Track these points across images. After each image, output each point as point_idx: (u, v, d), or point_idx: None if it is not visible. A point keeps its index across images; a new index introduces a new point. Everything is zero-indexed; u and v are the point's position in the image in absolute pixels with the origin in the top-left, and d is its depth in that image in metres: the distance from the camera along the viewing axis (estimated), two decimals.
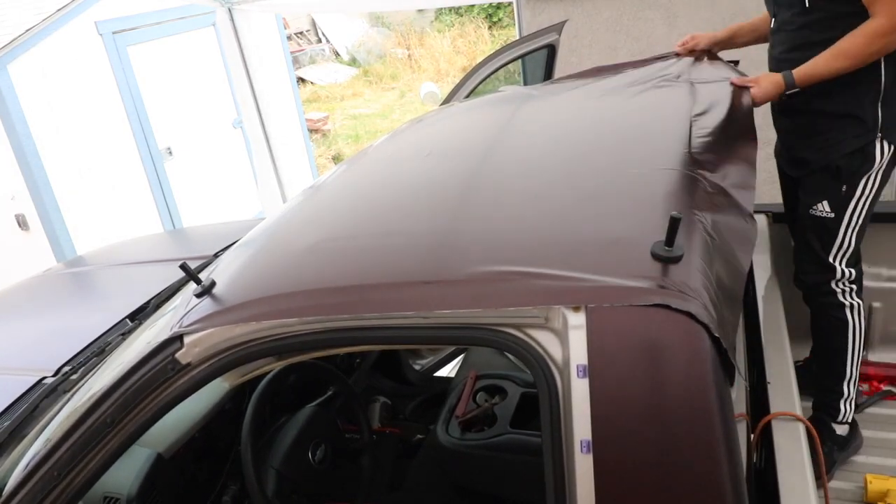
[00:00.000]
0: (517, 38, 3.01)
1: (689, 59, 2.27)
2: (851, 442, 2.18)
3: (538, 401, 1.09)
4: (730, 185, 1.46)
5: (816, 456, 1.53)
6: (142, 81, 5.67)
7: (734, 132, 1.73)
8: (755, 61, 2.37)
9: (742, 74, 2.08)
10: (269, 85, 5.18)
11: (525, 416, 2.00)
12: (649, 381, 1.01)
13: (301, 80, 12.09)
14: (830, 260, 2.05)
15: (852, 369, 2.12)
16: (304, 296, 1.22)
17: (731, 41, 2.34)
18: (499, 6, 13.15)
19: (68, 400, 1.68)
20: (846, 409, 2.13)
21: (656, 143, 1.56)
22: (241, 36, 4.77)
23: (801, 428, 1.51)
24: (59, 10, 4.89)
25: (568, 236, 1.22)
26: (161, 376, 1.27)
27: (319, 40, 13.95)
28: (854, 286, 2.09)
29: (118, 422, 1.29)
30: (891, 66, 1.84)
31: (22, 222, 5.02)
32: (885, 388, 2.44)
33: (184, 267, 1.33)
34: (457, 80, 2.69)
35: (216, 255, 2.52)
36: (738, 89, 1.91)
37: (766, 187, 3.65)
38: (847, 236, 2.02)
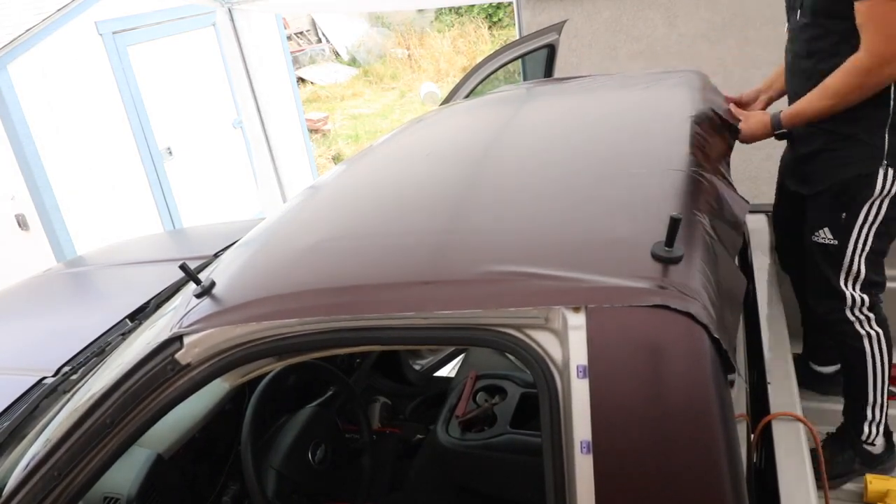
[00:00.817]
0: (517, 38, 3.01)
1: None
2: (885, 461, 2.09)
3: (538, 401, 1.09)
4: (725, 187, 1.46)
5: (817, 456, 1.53)
6: (142, 81, 5.67)
7: (722, 140, 1.75)
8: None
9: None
10: (269, 85, 5.19)
11: (525, 416, 2.00)
12: (649, 382, 1.01)
13: (301, 80, 12.09)
14: (841, 286, 1.96)
15: (876, 395, 2.03)
16: (304, 296, 1.22)
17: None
18: (499, 6, 13.15)
19: (68, 400, 1.68)
20: (871, 431, 2.05)
21: (656, 143, 1.56)
22: (241, 36, 4.78)
23: (801, 428, 1.51)
24: (59, 10, 4.90)
25: (568, 237, 1.22)
26: (161, 377, 1.27)
27: (319, 40, 13.95)
28: (871, 314, 1.98)
29: (118, 422, 1.29)
30: None
31: (22, 222, 5.02)
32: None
33: (183, 267, 1.33)
34: (457, 80, 2.69)
35: (216, 255, 2.52)
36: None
37: (766, 188, 3.64)
38: (855, 263, 1.92)
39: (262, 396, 1.84)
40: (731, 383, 1.52)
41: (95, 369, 1.79)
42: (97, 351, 2.01)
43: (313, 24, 13.88)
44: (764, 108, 2.18)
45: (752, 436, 1.50)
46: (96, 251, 3.34)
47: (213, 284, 1.32)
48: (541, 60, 2.89)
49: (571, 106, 2.03)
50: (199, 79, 6.24)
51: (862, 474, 2.05)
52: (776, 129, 1.89)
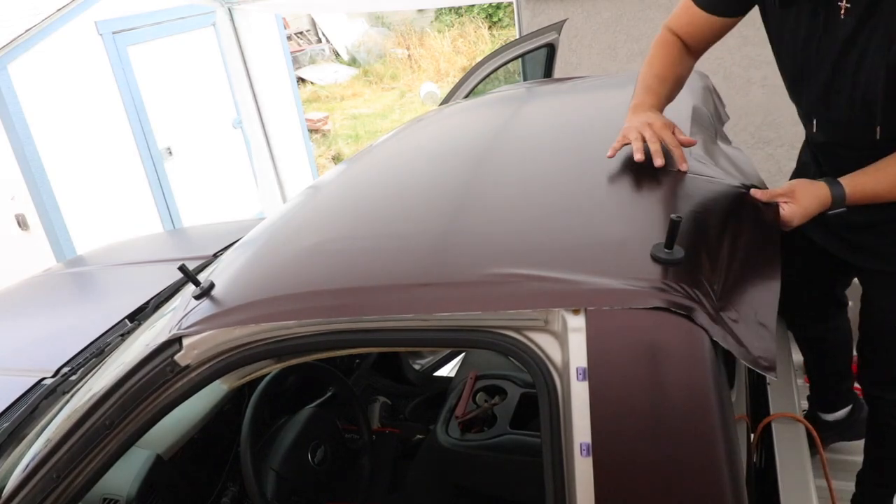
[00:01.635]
0: (517, 37, 3.01)
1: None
2: None
3: (538, 401, 1.09)
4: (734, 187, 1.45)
5: (818, 456, 1.53)
6: (142, 81, 5.67)
7: (715, 136, 1.72)
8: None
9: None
10: (269, 85, 5.19)
11: (525, 416, 1.99)
12: (649, 384, 1.01)
13: (301, 80, 12.09)
14: None
15: None
16: (304, 298, 1.22)
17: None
18: (499, 6, 13.15)
19: (68, 401, 1.68)
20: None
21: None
22: (241, 36, 4.78)
23: (801, 428, 1.51)
24: (58, 10, 4.90)
25: (568, 238, 1.22)
26: (160, 378, 1.27)
27: (319, 40, 13.95)
28: None
29: (117, 423, 1.29)
30: None
31: (22, 222, 5.02)
32: None
33: (183, 269, 1.33)
34: (457, 80, 2.69)
35: (216, 256, 2.52)
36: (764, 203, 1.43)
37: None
38: None
39: (262, 397, 1.83)
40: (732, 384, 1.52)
41: (95, 370, 1.79)
42: (96, 351, 2.00)
43: (313, 24, 13.87)
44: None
45: (752, 436, 1.50)
46: (96, 251, 3.33)
47: (212, 286, 1.32)
48: (541, 60, 2.89)
49: (572, 107, 2.02)
50: (199, 79, 6.24)
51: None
52: (837, 208, 1.46)
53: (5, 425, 1.77)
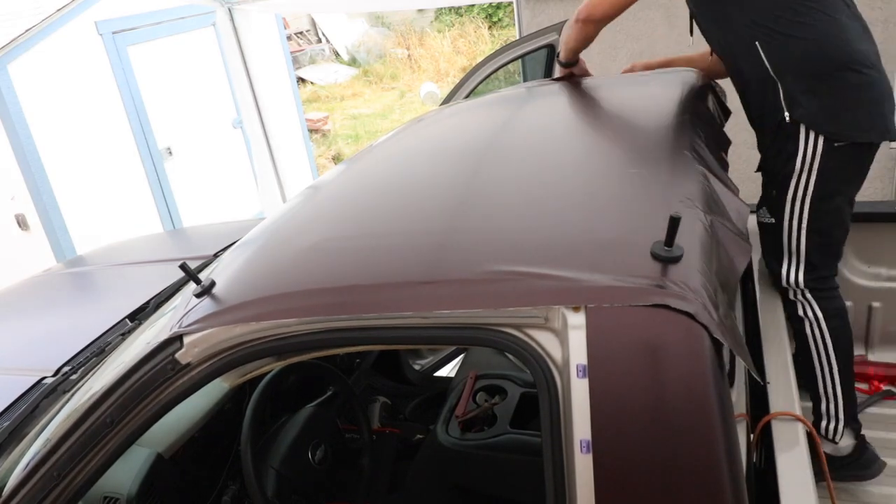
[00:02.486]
0: (517, 38, 3.01)
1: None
2: (855, 467, 1.99)
3: (538, 401, 1.09)
4: (724, 184, 1.46)
5: (818, 456, 1.53)
6: (142, 81, 5.67)
7: (716, 134, 1.74)
8: None
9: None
10: (269, 85, 5.19)
11: (525, 416, 2.00)
12: (649, 382, 1.01)
13: (301, 80, 12.09)
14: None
15: (827, 388, 1.96)
16: (304, 296, 1.22)
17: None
18: (499, 6, 13.15)
19: (68, 400, 1.68)
20: (829, 427, 1.98)
21: (655, 142, 1.56)
22: (241, 36, 4.78)
23: (801, 428, 1.51)
24: (59, 10, 4.90)
25: (567, 236, 1.22)
26: (161, 376, 1.27)
27: (319, 40, 13.95)
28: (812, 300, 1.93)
29: (118, 422, 1.29)
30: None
31: (22, 222, 5.02)
32: (885, 388, 2.44)
33: (183, 267, 1.33)
34: (457, 80, 2.69)
35: (216, 255, 2.52)
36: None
37: None
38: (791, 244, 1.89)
39: (262, 396, 1.83)
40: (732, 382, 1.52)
41: (95, 369, 1.79)
42: (97, 351, 2.01)
43: (313, 24, 13.87)
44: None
45: (752, 436, 1.50)
46: (96, 251, 3.34)
47: (212, 284, 1.32)
48: (541, 61, 2.89)
49: (571, 105, 2.03)
50: (199, 79, 6.24)
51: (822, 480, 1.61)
52: None
53: (6, 424, 1.77)
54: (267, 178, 5.25)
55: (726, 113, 2.21)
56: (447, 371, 2.91)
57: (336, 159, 9.64)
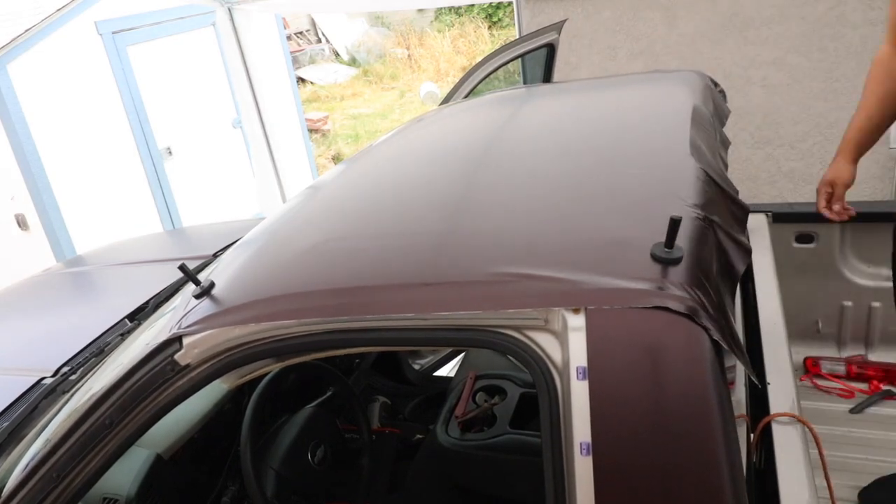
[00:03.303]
0: (517, 37, 3.01)
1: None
2: None
3: (538, 401, 1.09)
4: (724, 184, 1.46)
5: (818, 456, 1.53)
6: (142, 81, 5.67)
7: (716, 134, 1.74)
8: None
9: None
10: (268, 85, 5.19)
11: (524, 416, 1.99)
12: (649, 383, 1.01)
13: (301, 80, 12.09)
14: None
15: None
16: (304, 297, 1.22)
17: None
18: (499, 6, 13.15)
19: (67, 401, 1.68)
20: None
21: (656, 143, 1.56)
22: (241, 36, 4.79)
23: (801, 428, 1.51)
24: (58, 9, 4.90)
25: (568, 238, 1.22)
26: (160, 377, 1.27)
27: (319, 40, 13.95)
28: None
29: (117, 423, 1.29)
30: None
31: (22, 222, 5.02)
32: (884, 388, 2.44)
33: (182, 268, 1.33)
34: (457, 80, 2.69)
35: (216, 255, 2.52)
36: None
37: (766, 187, 3.65)
38: None
39: (262, 397, 1.83)
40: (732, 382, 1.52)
41: (95, 370, 1.79)
42: (96, 351, 2.00)
43: (313, 24, 13.87)
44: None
45: (752, 436, 1.50)
46: (96, 251, 3.33)
47: (212, 285, 1.32)
48: (540, 60, 2.89)
49: (571, 106, 2.02)
50: (198, 79, 6.24)
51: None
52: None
53: (5, 425, 1.77)
54: (266, 178, 5.25)
55: (726, 113, 2.21)
56: (447, 371, 2.91)
57: (336, 159, 9.64)
